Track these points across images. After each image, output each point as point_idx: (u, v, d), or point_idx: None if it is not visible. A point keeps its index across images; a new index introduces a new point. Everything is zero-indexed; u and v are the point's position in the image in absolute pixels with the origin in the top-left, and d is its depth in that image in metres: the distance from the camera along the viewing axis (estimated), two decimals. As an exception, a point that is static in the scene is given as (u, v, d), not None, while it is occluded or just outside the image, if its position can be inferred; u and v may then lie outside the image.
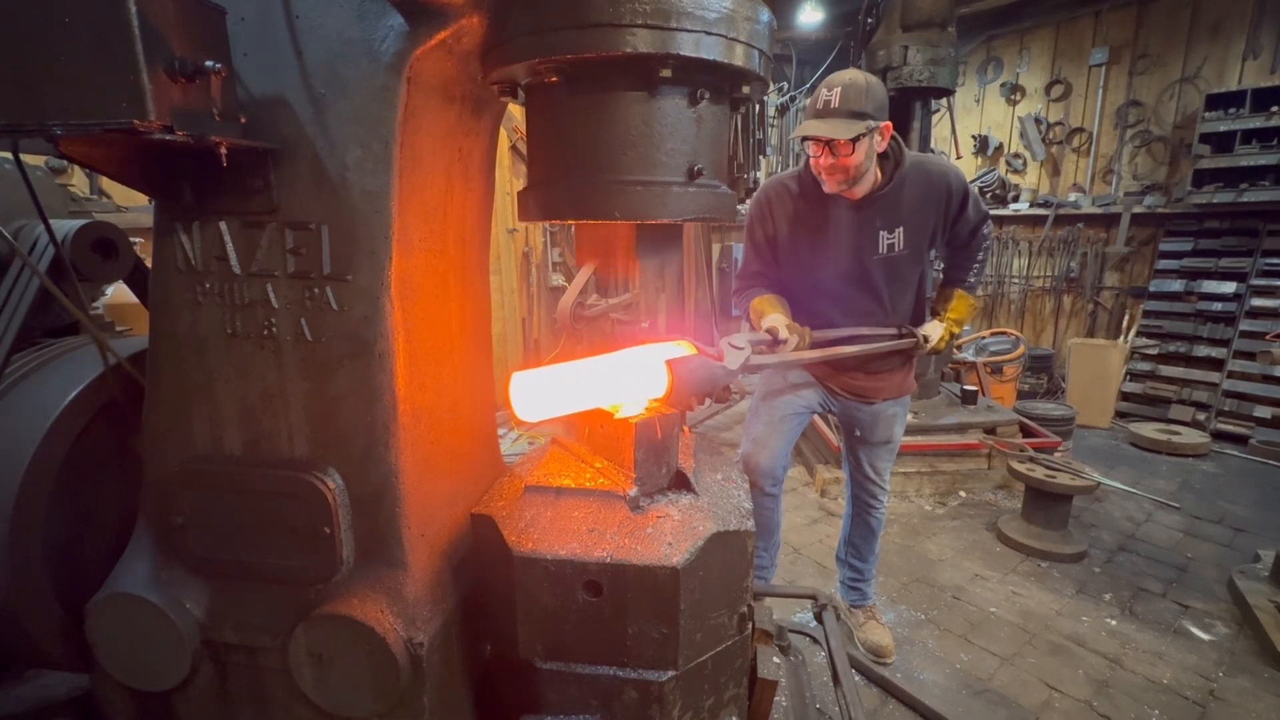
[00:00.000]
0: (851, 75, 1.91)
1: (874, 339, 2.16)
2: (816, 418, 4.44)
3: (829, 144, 1.90)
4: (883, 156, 2.04)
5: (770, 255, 2.25)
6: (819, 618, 2.06)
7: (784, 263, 2.23)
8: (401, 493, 1.17)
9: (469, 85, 1.22)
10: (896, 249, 2.12)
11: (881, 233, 2.10)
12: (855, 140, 1.87)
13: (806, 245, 2.17)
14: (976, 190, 2.19)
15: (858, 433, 2.39)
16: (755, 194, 2.25)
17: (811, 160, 2.01)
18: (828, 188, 2.02)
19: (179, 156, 1.10)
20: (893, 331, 2.20)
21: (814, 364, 2.22)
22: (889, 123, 1.95)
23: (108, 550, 1.32)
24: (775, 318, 2.01)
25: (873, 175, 2.03)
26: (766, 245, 2.24)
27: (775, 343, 1.91)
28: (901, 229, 2.10)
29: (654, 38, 0.94)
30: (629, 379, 1.26)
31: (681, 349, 1.36)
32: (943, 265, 2.41)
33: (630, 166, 1.04)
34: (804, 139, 1.96)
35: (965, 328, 2.32)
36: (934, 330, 2.20)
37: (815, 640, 2.36)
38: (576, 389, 1.23)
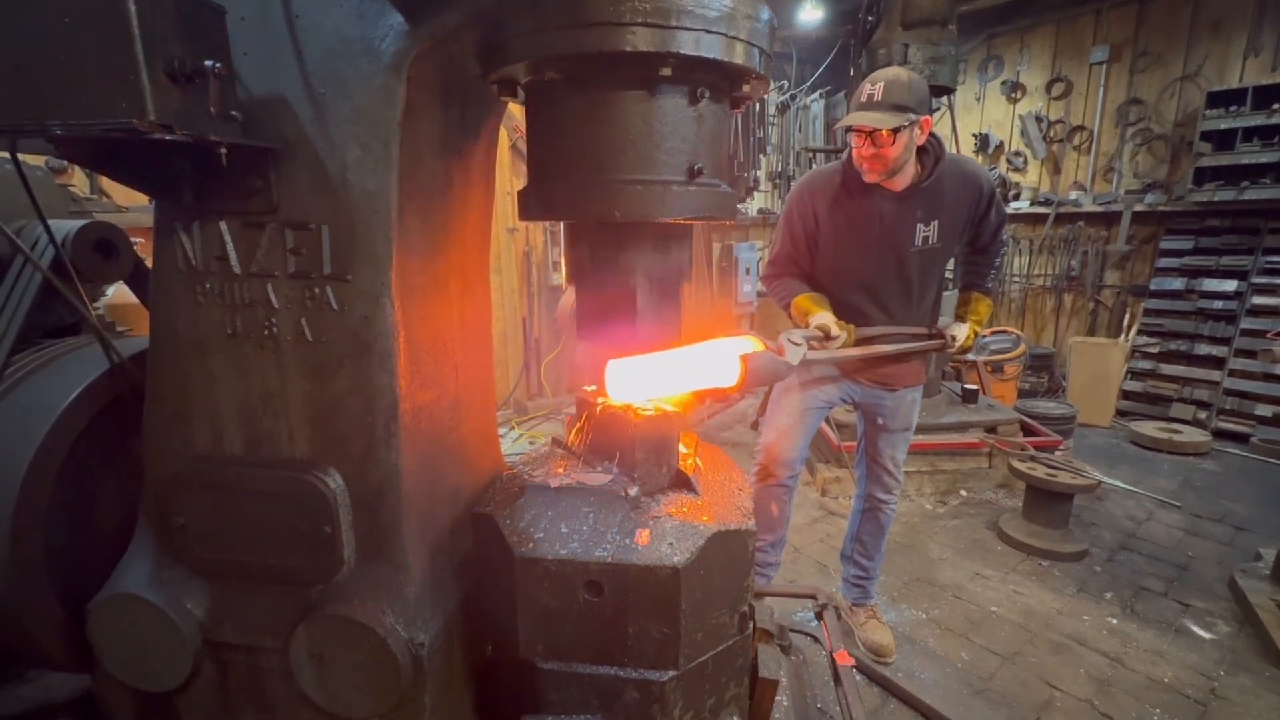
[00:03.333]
0: (895, 71, 2.04)
1: (909, 338, 2.26)
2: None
3: (871, 134, 1.99)
4: (923, 151, 2.14)
5: (805, 245, 2.31)
6: (820, 617, 2.07)
7: (821, 253, 2.30)
8: (402, 493, 1.17)
9: (469, 85, 1.22)
10: (931, 242, 2.20)
11: (919, 225, 2.18)
12: (896, 131, 1.96)
13: (847, 235, 2.23)
14: (998, 193, 2.30)
15: (880, 420, 2.44)
16: (797, 184, 2.37)
17: (854, 151, 2.09)
18: (868, 177, 2.10)
19: (179, 156, 1.10)
20: (924, 331, 2.30)
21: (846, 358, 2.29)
22: (929, 117, 2.03)
23: (109, 550, 1.32)
24: (825, 315, 2.12)
25: (912, 168, 2.12)
26: (804, 235, 2.30)
27: (827, 339, 2.05)
28: (937, 222, 2.18)
29: (654, 36, 0.93)
30: (706, 369, 1.34)
31: (750, 343, 1.42)
32: (962, 268, 2.50)
33: (630, 165, 1.04)
34: (847, 129, 2.06)
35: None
36: (960, 331, 2.30)
37: (816, 640, 2.35)
38: (660, 376, 1.30)
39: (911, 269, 2.23)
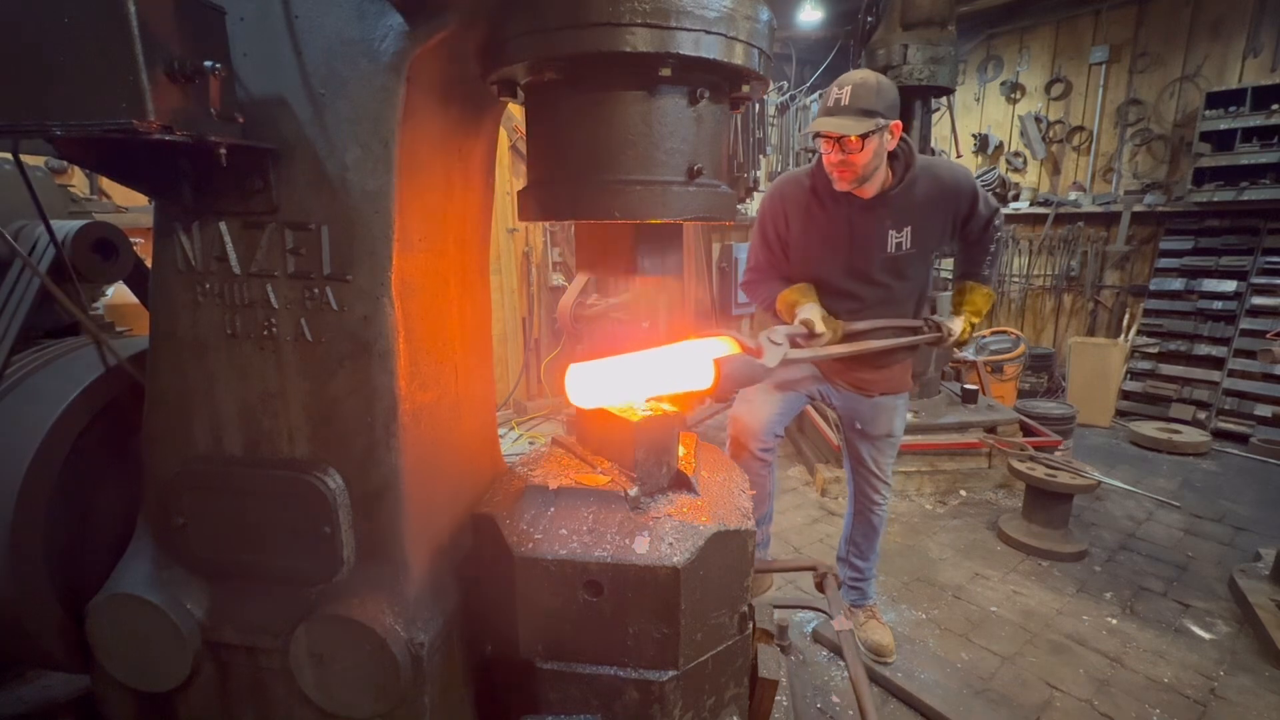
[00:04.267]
0: (863, 75, 1.97)
1: (900, 331, 2.20)
2: (816, 416, 4.45)
3: (839, 140, 1.93)
4: (893, 157, 2.08)
5: (780, 249, 2.28)
6: (820, 586, 2.05)
7: (793, 258, 2.26)
8: (402, 493, 1.17)
9: (469, 85, 1.22)
10: (904, 248, 2.15)
11: (890, 232, 2.13)
12: (864, 137, 1.91)
13: (817, 241, 2.20)
14: (983, 189, 2.23)
15: (858, 425, 2.40)
16: (769, 188, 2.30)
17: (823, 158, 2.04)
18: (838, 185, 2.05)
19: (179, 156, 1.10)
20: (918, 324, 2.24)
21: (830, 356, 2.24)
22: (899, 122, 1.98)
23: (109, 551, 1.32)
24: (811, 308, 2.04)
25: (883, 174, 2.06)
26: (776, 239, 2.26)
27: (810, 336, 1.96)
28: (910, 229, 2.14)
29: (653, 37, 0.93)
30: (676, 372, 1.31)
31: (725, 345, 1.39)
32: (957, 258, 2.44)
33: (630, 166, 1.04)
34: (815, 135, 2.00)
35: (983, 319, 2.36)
36: (955, 324, 2.25)
37: (819, 610, 2.30)
38: (627, 380, 1.28)
39: (884, 274, 2.18)
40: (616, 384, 1.28)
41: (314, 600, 1.19)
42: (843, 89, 1.94)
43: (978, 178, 6.82)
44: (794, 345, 1.89)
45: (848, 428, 2.47)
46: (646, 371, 1.28)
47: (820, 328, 1.98)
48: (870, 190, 2.08)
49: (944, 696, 2.32)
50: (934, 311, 2.39)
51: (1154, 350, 5.80)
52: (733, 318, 6.92)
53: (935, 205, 2.14)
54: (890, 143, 2.00)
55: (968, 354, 5.40)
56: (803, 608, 2.34)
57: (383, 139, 1.08)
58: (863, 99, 1.91)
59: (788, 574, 3.19)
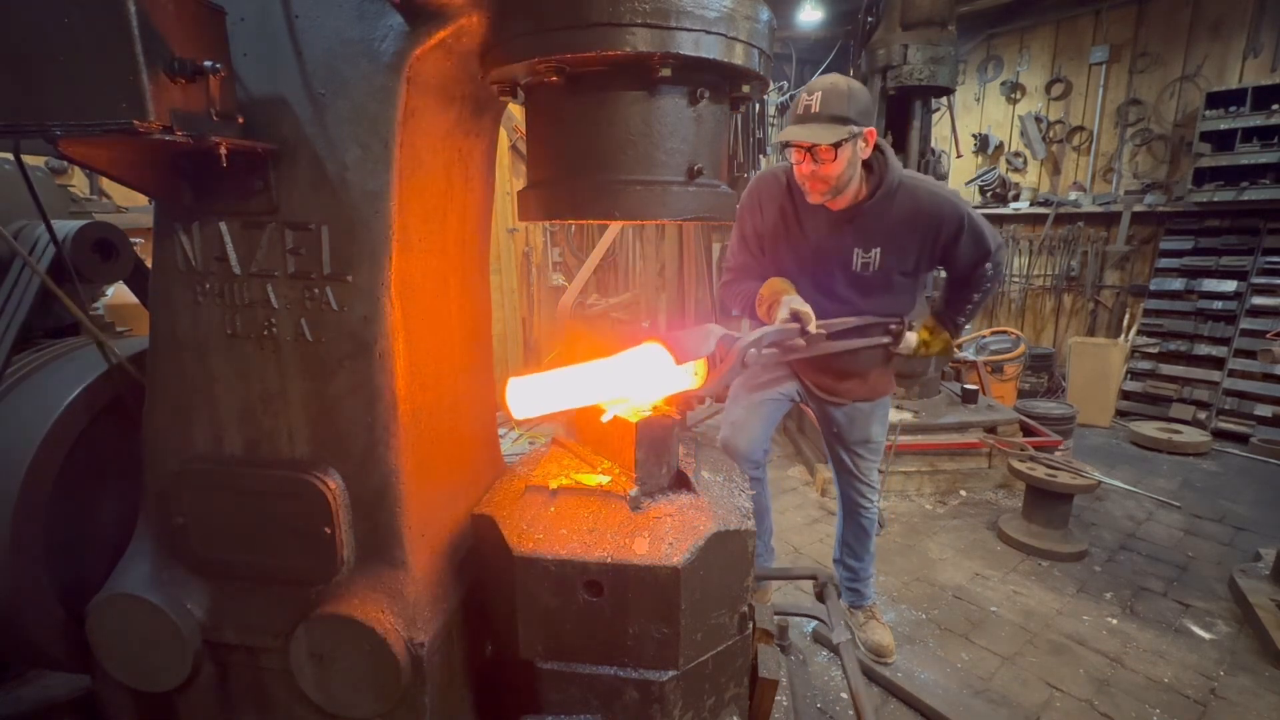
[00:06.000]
0: (833, 79, 1.87)
1: (870, 328, 2.12)
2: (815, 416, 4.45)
3: (810, 150, 1.85)
4: (867, 167, 1.97)
5: (756, 246, 2.21)
6: (820, 596, 2.04)
7: (766, 258, 2.20)
8: (402, 493, 1.17)
9: (469, 85, 1.22)
10: (871, 269, 2.06)
11: (856, 250, 2.04)
12: (837, 146, 1.81)
13: (785, 246, 2.13)
14: (980, 224, 2.05)
15: (835, 429, 2.37)
16: (749, 183, 2.22)
17: (795, 169, 1.95)
18: (811, 198, 1.96)
19: (179, 157, 1.10)
20: (884, 322, 2.15)
21: (789, 358, 2.21)
22: (873, 129, 1.88)
23: (109, 551, 1.32)
24: (799, 300, 1.91)
25: (856, 185, 1.95)
26: (755, 237, 2.19)
27: (803, 332, 1.84)
28: (879, 250, 2.03)
29: (653, 37, 0.93)
30: (616, 381, 1.29)
31: (655, 348, 1.37)
32: (941, 291, 2.34)
33: (630, 166, 1.04)
34: (785, 146, 1.90)
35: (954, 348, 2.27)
36: (911, 339, 2.19)
37: (819, 620, 2.31)
38: (566, 390, 1.27)
39: (847, 291, 2.10)
40: (556, 394, 1.29)
41: (314, 600, 1.19)
42: (813, 95, 1.83)
43: (978, 178, 6.88)
44: (787, 339, 1.81)
45: (826, 430, 2.43)
46: (585, 382, 1.28)
47: (815, 325, 1.86)
48: (842, 202, 1.97)
49: (944, 696, 2.31)
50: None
51: (1154, 350, 5.80)
52: (733, 318, 6.92)
53: (909, 228, 2.01)
54: (864, 151, 1.89)
55: (968, 354, 5.40)
56: (802, 615, 2.35)
57: (383, 139, 1.08)
58: (834, 105, 1.80)
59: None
